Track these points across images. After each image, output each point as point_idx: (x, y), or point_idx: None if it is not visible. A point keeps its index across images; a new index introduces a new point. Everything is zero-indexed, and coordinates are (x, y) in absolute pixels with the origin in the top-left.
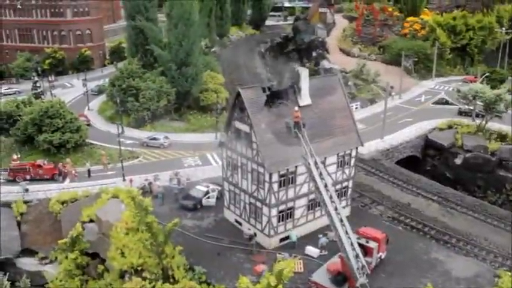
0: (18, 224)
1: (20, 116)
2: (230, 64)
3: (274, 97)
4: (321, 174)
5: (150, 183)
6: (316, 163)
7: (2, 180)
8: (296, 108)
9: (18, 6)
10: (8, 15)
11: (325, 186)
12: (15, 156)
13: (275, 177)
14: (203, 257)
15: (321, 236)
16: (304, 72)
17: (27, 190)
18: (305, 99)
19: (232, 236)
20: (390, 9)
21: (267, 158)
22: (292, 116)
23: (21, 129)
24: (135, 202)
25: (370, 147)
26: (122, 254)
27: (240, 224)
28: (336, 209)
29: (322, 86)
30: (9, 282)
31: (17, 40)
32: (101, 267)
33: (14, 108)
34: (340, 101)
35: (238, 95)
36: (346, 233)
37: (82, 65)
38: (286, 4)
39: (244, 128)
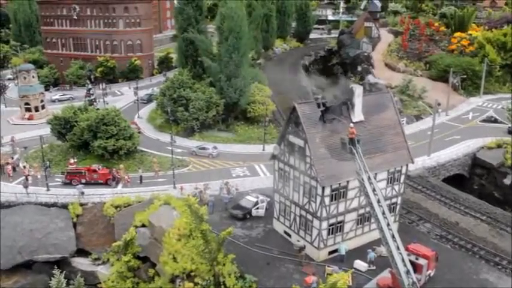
0: (74, 225)
1: (76, 122)
2: (275, 76)
3: (328, 113)
4: (374, 189)
5: (200, 192)
6: (369, 178)
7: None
8: (351, 124)
9: (74, 17)
10: (64, 26)
11: (378, 201)
12: (72, 160)
13: (327, 191)
14: (253, 265)
15: (369, 250)
16: (358, 90)
17: (83, 193)
18: (358, 115)
19: (281, 246)
20: (436, 24)
21: (320, 172)
22: (347, 132)
23: (77, 135)
24: (191, 210)
25: (416, 164)
26: (174, 259)
27: (289, 235)
28: (388, 224)
29: (375, 102)
30: (65, 280)
31: (71, 49)
32: (151, 271)
33: (71, 115)
34: (392, 118)
35: (294, 109)
36: (398, 248)
37: (132, 73)
38: (330, 17)
39: (298, 142)
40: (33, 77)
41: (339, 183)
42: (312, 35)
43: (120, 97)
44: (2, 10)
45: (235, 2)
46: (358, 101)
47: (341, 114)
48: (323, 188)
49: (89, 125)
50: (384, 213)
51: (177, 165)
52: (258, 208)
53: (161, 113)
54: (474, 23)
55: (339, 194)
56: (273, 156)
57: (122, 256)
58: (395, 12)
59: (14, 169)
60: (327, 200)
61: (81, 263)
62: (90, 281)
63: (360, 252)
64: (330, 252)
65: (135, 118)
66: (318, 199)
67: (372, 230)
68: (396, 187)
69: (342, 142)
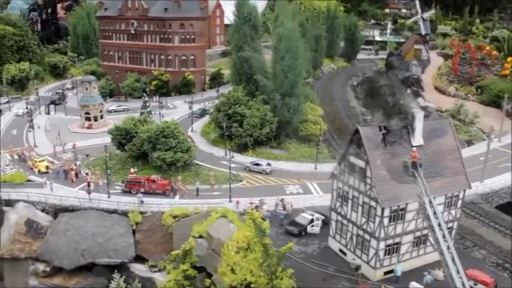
0: (133, 232)
1: (136, 133)
2: (323, 95)
3: (389, 136)
4: (435, 213)
5: (256, 207)
6: (430, 202)
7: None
8: (414, 148)
9: (132, 32)
10: (122, 39)
11: (439, 225)
12: (132, 170)
13: (387, 212)
14: (309, 281)
15: (426, 273)
16: (419, 114)
17: (142, 202)
18: (418, 139)
19: (337, 264)
20: (488, 48)
21: (380, 193)
22: (409, 156)
23: (137, 146)
24: (255, 224)
25: (469, 190)
26: (232, 270)
27: (345, 253)
28: (448, 247)
29: (434, 128)
30: (124, 284)
31: (127, 61)
32: (208, 281)
33: (131, 126)
34: (451, 143)
35: (356, 131)
36: (458, 272)
37: (184, 88)
38: (378, 38)
39: (359, 163)
40: (94, 88)
41: (398, 205)
42: (359, 56)
43: (173, 110)
44: (62, 23)
45: (292, 22)
46: (418, 125)
47: (401, 138)
48: (383, 209)
49: (149, 137)
50: (444, 236)
51: (232, 179)
52: (313, 225)
53: (215, 127)
54: None
55: (397, 216)
56: (333, 175)
57: (180, 265)
58: (445, 35)
59: (76, 175)
60: (385, 220)
61: (139, 269)
62: (147, 286)
63: (414, 274)
64: (386, 273)
65: (189, 132)
66: (377, 219)
67: (427, 253)
68: (453, 212)
69: (404, 165)
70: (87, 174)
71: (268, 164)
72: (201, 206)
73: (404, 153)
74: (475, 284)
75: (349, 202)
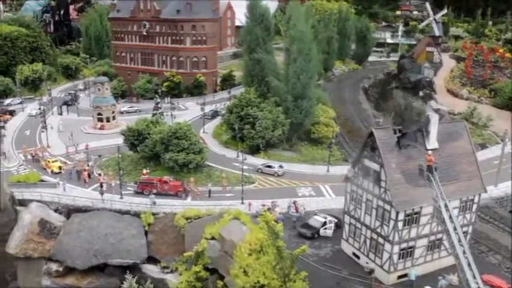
0: (146, 233)
1: (149, 134)
2: (334, 97)
3: (404, 139)
4: (450, 217)
5: (268, 209)
6: (446, 206)
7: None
8: (429, 152)
9: (144, 33)
10: (134, 41)
11: (454, 229)
12: (144, 171)
13: (401, 216)
14: (322, 284)
15: (440, 278)
16: (434, 117)
17: (154, 203)
18: (432, 143)
19: (350, 267)
20: (501, 50)
21: (395, 197)
22: (425, 159)
23: (149, 147)
24: (268, 226)
25: (483, 194)
26: (245, 272)
27: (358, 257)
28: (464, 252)
29: (449, 131)
30: (137, 285)
31: (139, 63)
32: (220, 283)
33: (144, 127)
34: (466, 147)
35: (371, 134)
36: (474, 277)
37: (196, 89)
38: (389, 40)
39: (374, 166)
40: (106, 89)
41: (413, 209)
42: (370, 58)
43: (185, 112)
44: (74, 24)
45: (304, 24)
46: (433, 128)
47: (416, 141)
48: (397, 213)
49: (162, 138)
50: (459, 240)
51: (244, 181)
52: (326, 228)
53: (227, 129)
54: None
55: (411, 219)
56: (346, 178)
57: (192, 266)
58: (457, 37)
59: (89, 176)
60: (400, 224)
61: (151, 270)
62: (159, 287)
63: (428, 278)
64: (399, 277)
65: (201, 133)
66: (391, 223)
67: (442, 257)
68: (468, 216)
69: (419, 169)
70: (99, 174)
71: (281, 166)
72: (213, 207)
73: (419, 157)
74: None
75: (363, 205)
